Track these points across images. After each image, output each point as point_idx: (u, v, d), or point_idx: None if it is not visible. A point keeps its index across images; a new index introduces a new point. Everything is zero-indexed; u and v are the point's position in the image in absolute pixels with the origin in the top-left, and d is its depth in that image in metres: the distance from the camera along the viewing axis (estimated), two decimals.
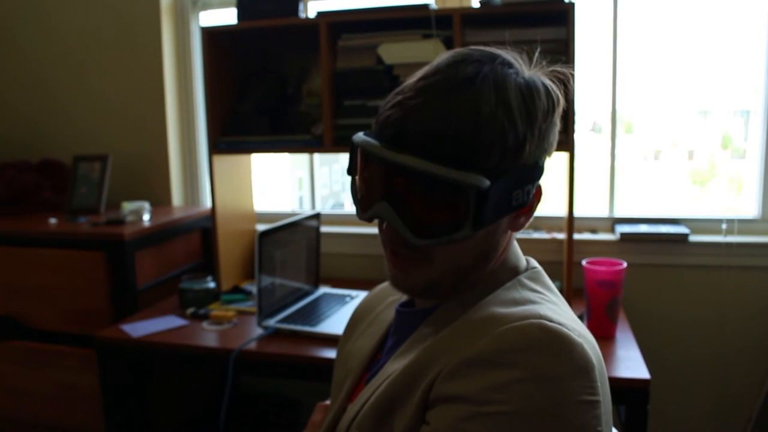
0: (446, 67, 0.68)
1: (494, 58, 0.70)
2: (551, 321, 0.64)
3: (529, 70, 0.71)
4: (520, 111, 0.67)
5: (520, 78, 0.69)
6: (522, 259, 0.79)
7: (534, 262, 0.80)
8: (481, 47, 0.72)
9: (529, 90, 0.68)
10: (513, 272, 0.76)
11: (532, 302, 0.70)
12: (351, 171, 0.75)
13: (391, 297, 0.90)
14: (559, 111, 0.72)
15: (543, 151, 0.71)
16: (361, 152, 0.72)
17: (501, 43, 0.75)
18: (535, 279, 0.76)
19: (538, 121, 0.69)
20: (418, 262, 0.71)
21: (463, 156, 0.65)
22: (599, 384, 0.65)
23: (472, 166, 0.64)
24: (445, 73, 0.67)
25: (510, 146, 0.66)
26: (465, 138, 0.64)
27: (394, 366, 0.74)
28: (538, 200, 0.73)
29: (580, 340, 0.64)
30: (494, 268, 0.76)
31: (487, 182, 0.64)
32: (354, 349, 0.87)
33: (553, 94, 0.71)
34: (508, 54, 0.71)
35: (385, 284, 0.96)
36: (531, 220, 0.74)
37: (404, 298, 0.85)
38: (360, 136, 0.70)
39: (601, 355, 0.69)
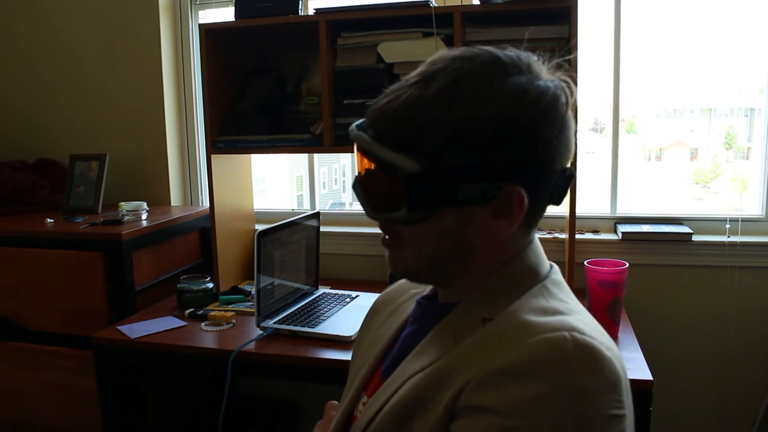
0: (428, 61, 0.71)
1: (486, 57, 0.68)
2: (583, 334, 0.64)
3: (544, 73, 0.68)
4: (462, 106, 0.65)
5: (504, 80, 0.66)
6: (545, 263, 0.77)
7: (557, 268, 0.78)
8: (487, 47, 0.70)
9: (508, 93, 0.66)
10: (533, 274, 0.74)
11: (561, 313, 0.69)
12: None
13: (412, 289, 0.90)
14: (538, 122, 0.66)
15: (512, 158, 0.66)
16: None
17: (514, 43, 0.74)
18: (560, 287, 0.75)
19: (493, 121, 0.65)
20: (392, 245, 0.75)
21: (399, 137, 0.67)
22: (625, 397, 0.65)
23: (408, 149, 0.66)
24: (423, 65, 0.71)
25: (448, 135, 0.65)
26: (400, 119, 0.67)
27: (413, 366, 0.73)
28: (520, 207, 0.67)
29: (609, 353, 0.64)
30: (509, 267, 0.73)
31: (416, 166, 0.66)
32: (375, 339, 0.87)
33: (543, 102, 0.66)
34: (517, 58, 0.68)
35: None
36: (515, 226, 0.69)
37: (426, 291, 0.85)
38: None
39: (624, 366, 0.68)
